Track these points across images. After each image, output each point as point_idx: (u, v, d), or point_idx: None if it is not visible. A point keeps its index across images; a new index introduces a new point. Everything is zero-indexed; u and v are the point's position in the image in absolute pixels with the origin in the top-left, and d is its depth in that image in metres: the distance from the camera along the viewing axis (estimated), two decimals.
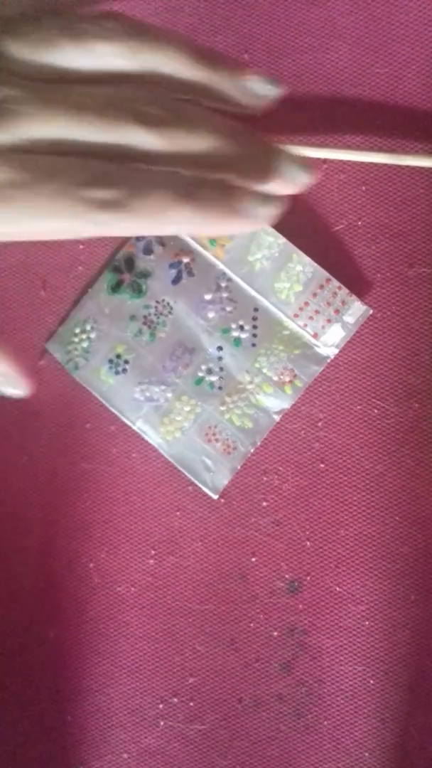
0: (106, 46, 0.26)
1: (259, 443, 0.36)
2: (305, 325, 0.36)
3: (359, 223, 0.36)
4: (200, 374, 0.36)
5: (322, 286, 0.35)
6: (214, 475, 0.36)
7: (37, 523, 0.38)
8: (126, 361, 0.37)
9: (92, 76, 0.27)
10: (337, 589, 0.36)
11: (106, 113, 0.26)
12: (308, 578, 0.36)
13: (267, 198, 0.27)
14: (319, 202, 0.36)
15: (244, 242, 0.36)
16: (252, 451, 0.36)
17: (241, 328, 0.36)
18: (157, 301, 0.37)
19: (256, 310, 0.36)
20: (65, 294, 0.38)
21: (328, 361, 0.36)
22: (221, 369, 0.36)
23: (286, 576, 0.36)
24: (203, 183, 0.26)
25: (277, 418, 0.36)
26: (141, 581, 0.37)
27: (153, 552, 0.37)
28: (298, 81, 0.36)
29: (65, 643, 0.37)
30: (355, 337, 0.36)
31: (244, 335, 0.36)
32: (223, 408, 0.36)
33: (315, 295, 0.36)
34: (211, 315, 0.36)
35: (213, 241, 0.36)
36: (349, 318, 0.35)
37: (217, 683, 0.36)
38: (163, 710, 0.37)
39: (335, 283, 0.35)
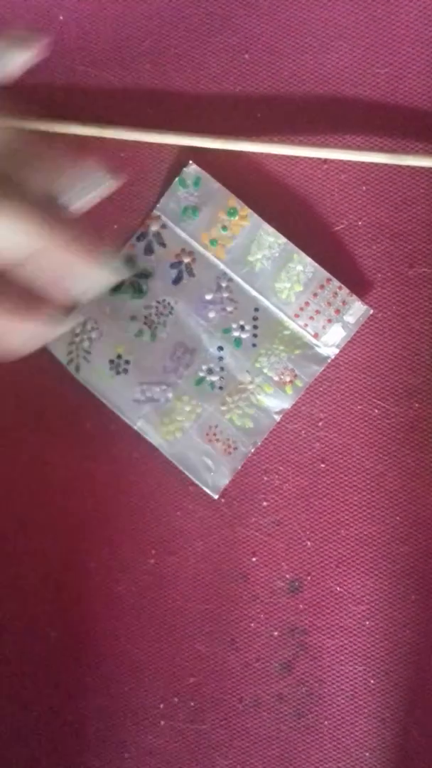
0: None
1: (259, 443, 0.36)
2: (306, 325, 0.36)
3: (360, 223, 0.36)
4: (201, 374, 0.36)
5: (322, 286, 0.35)
6: (214, 475, 0.36)
7: (37, 523, 0.38)
8: (127, 362, 0.37)
9: None
10: (338, 588, 0.36)
11: None
12: (309, 578, 0.36)
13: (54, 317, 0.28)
14: (319, 202, 0.36)
15: (244, 242, 0.36)
16: (252, 451, 0.36)
17: (242, 328, 0.36)
18: (158, 301, 0.37)
19: (256, 310, 0.36)
20: None
21: (329, 361, 0.36)
22: (222, 369, 0.36)
23: (287, 576, 0.36)
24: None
25: (277, 418, 0.36)
26: (141, 581, 0.37)
27: (153, 552, 0.37)
28: (298, 81, 0.36)
29: (65, 643, 0.37)
30: (355, 337, 0.36)
31: (244, 335, 0.36)
32: (223, 408, 0.36)
33: (315, 295, 0.36)
34: (211, 315, 0.36)
35: (214, 241, 0.36)
36: (350, 318, 0.35)
37: (217, 683, 0.36)
38: (164, 710, 0.37)
39: (336, 283, 0.35)
